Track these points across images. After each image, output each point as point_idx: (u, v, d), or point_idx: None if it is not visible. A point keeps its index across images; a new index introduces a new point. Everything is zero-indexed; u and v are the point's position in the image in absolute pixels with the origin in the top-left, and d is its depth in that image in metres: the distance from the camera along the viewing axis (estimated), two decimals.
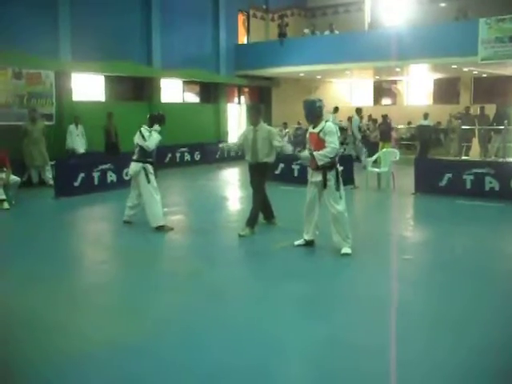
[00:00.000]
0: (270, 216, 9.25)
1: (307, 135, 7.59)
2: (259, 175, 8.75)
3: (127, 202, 9.41)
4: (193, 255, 7.69)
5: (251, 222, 8.57)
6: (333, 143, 7.06)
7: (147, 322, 5.10)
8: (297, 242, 7.73)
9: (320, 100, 7.47)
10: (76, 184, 12.78)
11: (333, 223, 7.24)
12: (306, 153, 7.30)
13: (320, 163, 7.08)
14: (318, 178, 7.22)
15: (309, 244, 7.65)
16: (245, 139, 8.75)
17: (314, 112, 7.34)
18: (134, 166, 9.08)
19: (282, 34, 23.38)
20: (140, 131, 9.02)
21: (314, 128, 7.33)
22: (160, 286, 6.29)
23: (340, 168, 7.39)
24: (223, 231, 9.21)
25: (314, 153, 7.10)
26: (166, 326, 5.00)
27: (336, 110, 20.56)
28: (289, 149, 9.09)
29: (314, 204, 7.46)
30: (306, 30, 24.38)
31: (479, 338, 4.67)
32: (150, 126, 9.09)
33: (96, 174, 13.28)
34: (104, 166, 13.46)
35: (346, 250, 7.17)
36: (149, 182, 8.88)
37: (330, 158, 7.08)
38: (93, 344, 4.62)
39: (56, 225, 9.95)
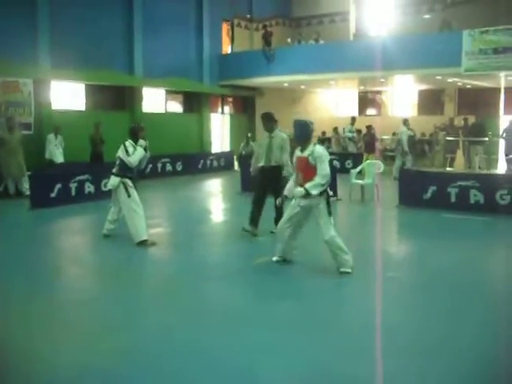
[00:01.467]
0: (255, 224, 9.15)
1: (294, 159, 7.22)
2: (273, 179, 8.78)
3: (108, 216, 9.09)
4: (173, 272, 7.35)
5: (276, 221, 8.54)
6: (324, 170, 6.73)
7: (119, 344, 4.79)
8: (275, 258, 7.46)
9: (312, 122, 7.10)
10: (52, 195, 12.42)
11: (328, 246, 6.91)
12: (299, 189, 6.79)
13: (314, 194, 6.73)
14: (307, 202, 6.85)
15: (285, 261, 7.41)
16: (260, 146, 9.25)
17: (305, 134, 6.99)
18: (112, 180, 8.77)
19: (266, 44, 23.15)
20: (124, 145, 8.67)
21: (302, 151, 6.97)
22: (137, 304, 5.97)
23: (330, 192, 7.13)
24: (205, 245, 8.90)
25: (307, 186, 6.69)
26: (137, 349, 4.69)
27: (353, 120, 19.98)
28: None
29: (296, 227, 7.15)
30: (289, 40, 24.26)
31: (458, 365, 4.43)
32: (135, 140, 8.75)
33: (73, 185, 12.91)
34: (82, 177, 13.12)
35: (344, 269, 6.87)
36: (129, 196, 8.55)
37: (323, 185, 6.77)
38: (57, 368, 4.33)
39: (28, 238, 9.58)
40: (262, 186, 9.15)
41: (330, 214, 6.82)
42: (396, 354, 4.63)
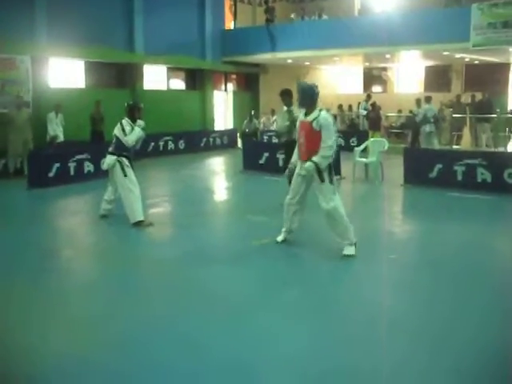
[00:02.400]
0: None
1: (297, 123, 6.90)
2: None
3: (104, 196, 8.87)
4: (170, 255, 7.12)
5: None
6: (330, 138, 6.38)
7: (106, 335, 4.59)
8: (279, 238, 7.21)
9: (316, 86, 6.77)
10: (51, 174, 12.20)
11: (327, 221, 6.63)
12: (308, 163, 6.41)
13: (324, 164, 6.41)
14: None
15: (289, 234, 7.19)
16: (283, 119, 9.61)
17: (310, 97, 6.63)
18: (108, 159, 8.52)
19: (268, 20, 22.72)
20: (121, 123, 8.39)
21: (306, 116, 6.63)
22: (131, 291, 5.71)
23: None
24: (205, 226, 8.63)
25: (316, 160, 6.36)
26: (127, 340, 4.48)
27: (368, 97, 19.23)
28: None
29: (301, 199, 6.89)
30: (293, 15, 23.76)
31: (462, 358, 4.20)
32: (132, 118, 8.45)
33: (72, 165, 12.70)
34: (81, 156, 12.88)
35: (346, 250, 6.55)
36: (125, 175, 8.31)
37: (331, 156, 6.45)
38: (47, 358, 4.15)
39: (24, 219, 9.38)
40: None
41: (331, 182, 6.50)
42: (400, 343, 4.41)
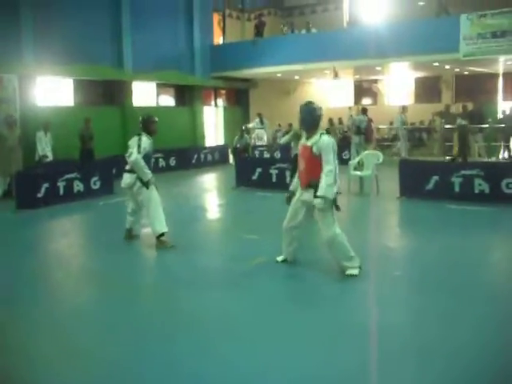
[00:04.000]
0: None
1: (299, 147, 6.62)
2: None
3: (127, 209, 8.54)
4: (160, 279, 6.86)
5: None
6: (330, 163, 6.08)
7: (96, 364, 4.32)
8: (279, 258, 6.95)
9: (320, 108, 6.49)
10: (39, 195, 11.89)
11: (328, 248, 6.39)
12: (318, 201, 6.08)
13: (332, 196, 6.11)
14: (310, 197, 6.28)
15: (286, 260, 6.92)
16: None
17: (312, 119, 6.34)
18: (126, 178, 8.12)
19: (258, 34, 22.68)
20: (139, 139, 7.93)
21: (307, 139, 6.37)
22: (128, 315, 5.42)
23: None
24: (197, 247, 8.29)
25: (323, 193, 6.04)
26: (118, 369, 4.22)
27: (364, 111, 18.87)
28: None
29: (299, 225, 6.63)
30: (286, 28, 23.63)
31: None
32: (148, 132, 8.06)
33: (61, 184, 12.38)
34: (70, 176, 12.59)
35: (350, 271, 6.30)
36: (147, 188, 7.93)
37: (335, 182, 6.14)
38: None
39: (10, 242, 9.01)
40: None
41: (332, 209, 6.21)
42: (395, 356, 4.20)
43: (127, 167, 8.17)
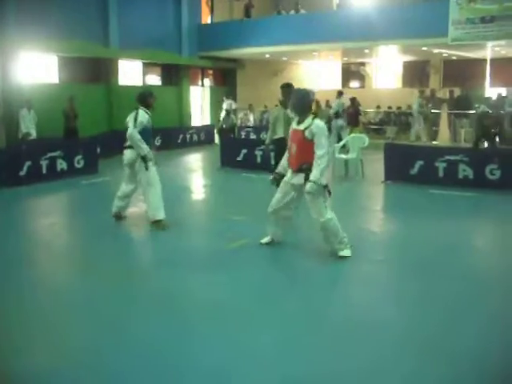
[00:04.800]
0: None
1: (289, 131, 6.52)
2: None
3: (117, 192, 8.30)
4: (145, 262, 6.83)
5: None
6: (323, 148, 6.02)
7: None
8: (264, 240, 6.91)
9: (313, 92, 6.43)
10: (22, 173, 11.76)
11: (322, 232, 6.33)
12: (310, 185, 6.02)
13: (324, 180, 6.10)
14: (300, 180, 6.23)
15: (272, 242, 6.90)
16: (276, 117, 9.12)
17: (304, 104, 6.27)
18: (127, 153, 7.87)
19: (247, 15, 22.49)
20: (137, 113, 7.75)
21: (298, 124, 6.29)
22: (106, 300, 5.40)
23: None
24: (182, 227, 8.17)
25: (314, 178, 6.00)
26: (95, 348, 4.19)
27: (340, 94, 18.53)
28: None
29: (286, 205, 6.57)
30: (280, 7, 23.31)
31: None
32: (148, 107, 7.89)
33: (44, 163, 12.24)
34: (53, 154, 12.44)
35: (343, 252, 6.31)
36: (147, 168, 7.75)
37: (327, 166, 6.15)
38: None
39: None
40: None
41: (325, 193, 6.19)
42: (389, 350, 4.19)
43: (127, 143, 7.91)
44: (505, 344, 4.34)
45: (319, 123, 6.14)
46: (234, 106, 21.38)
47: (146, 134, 7.82)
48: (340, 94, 18.16)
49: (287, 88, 8.54)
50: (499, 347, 4.27)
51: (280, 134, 8.94)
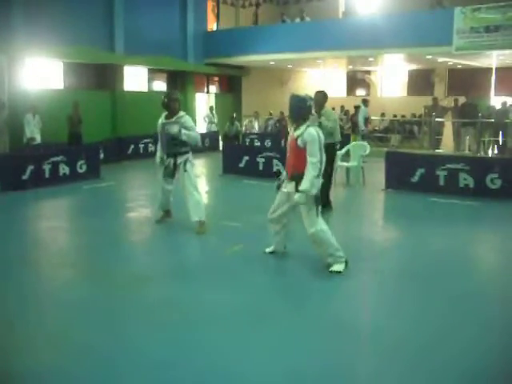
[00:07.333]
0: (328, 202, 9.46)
1: (288, 138, 6.44)
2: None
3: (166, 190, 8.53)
4: (145, 269, 6.85)
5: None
6: (315, 156, 5.90)
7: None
8: (268, 250, 6.86)
9: (311, 99, 6.33)
10: (24, 177, 11.85)
11: (312, 243, 6.26)
12: (298, 195, 5.94)
13: (314, 190, 5.95)
14: (292, 189, 6.15)
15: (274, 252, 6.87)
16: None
17: (300, 111, 6.13)
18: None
19: (256, 22, 22.71)
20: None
21: (294, 130, 6.19)
22: (100, 302, 5.45)
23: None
24: (181, 234, 8.25)
25: (304, 187, 5.87)
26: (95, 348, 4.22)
27: (365, 103, 18.30)
28: None
29: (283, 214, 6.52)
30: (285, 16, 23.49)
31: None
32: (171, 113, 8.06)
33: (47, 167, 12.34)
34: (56, 159, 12.53)
35: (335, 267, 6.16)
36: (185, 170, 8.06)
37: (318, 175, 5.97)
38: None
39: None
40: None
41: (317, 203, 6.05)
42: (387, 357, 4.20)
43: (176, 149, 8.20)
44: (499, 354, 4.34)
45: (312, 131, 6.01)
46: (207, 120, 21.86)
47: (160, 138, 8.27)
48: (364, 101, 18.24)
49: (320, 95, 8.94)
50: (494, 357, 4.26)
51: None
